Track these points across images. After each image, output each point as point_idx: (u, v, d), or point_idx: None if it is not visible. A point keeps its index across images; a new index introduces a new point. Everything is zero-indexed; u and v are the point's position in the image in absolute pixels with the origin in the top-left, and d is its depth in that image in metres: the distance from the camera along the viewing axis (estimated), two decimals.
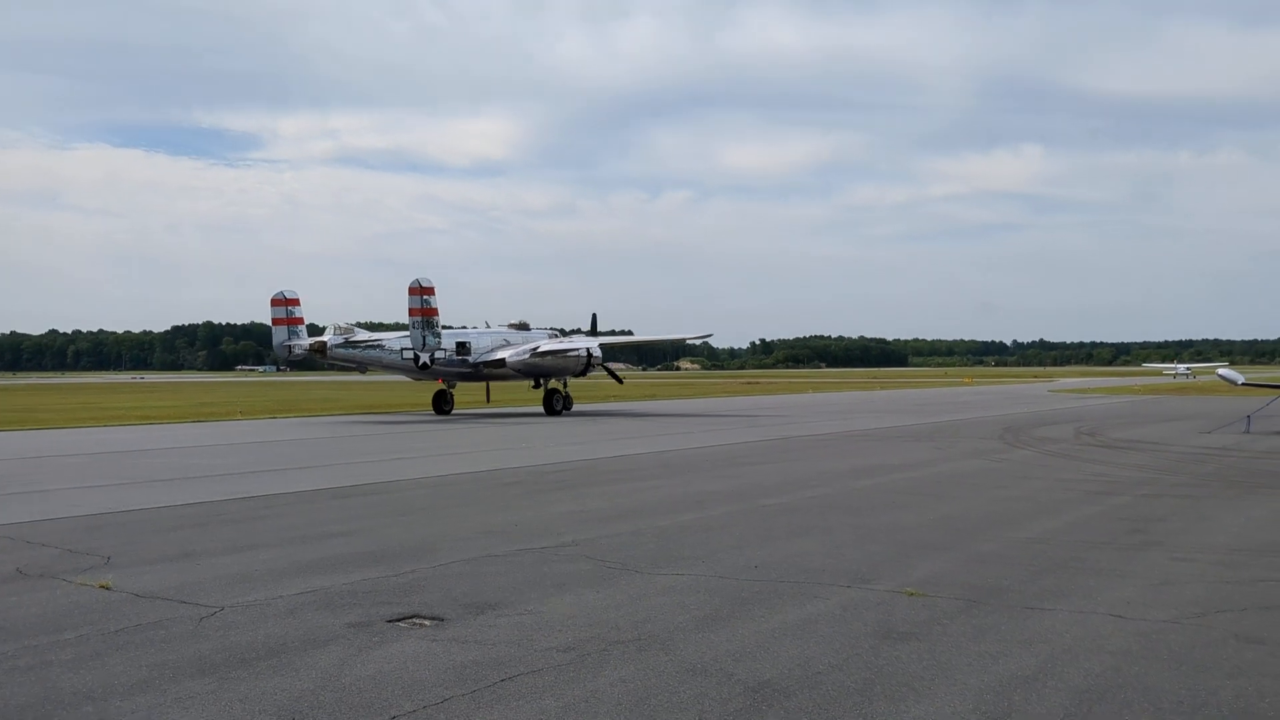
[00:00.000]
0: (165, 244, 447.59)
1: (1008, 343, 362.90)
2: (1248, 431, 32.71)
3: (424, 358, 43.43)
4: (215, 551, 12.58)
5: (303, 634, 8.72)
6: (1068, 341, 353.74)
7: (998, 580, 10.77)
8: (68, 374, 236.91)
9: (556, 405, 46.41)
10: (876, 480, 20.03)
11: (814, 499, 17.29)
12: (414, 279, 43.03)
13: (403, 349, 43.70)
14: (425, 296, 43.00)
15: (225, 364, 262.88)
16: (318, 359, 45.48)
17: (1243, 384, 38.75)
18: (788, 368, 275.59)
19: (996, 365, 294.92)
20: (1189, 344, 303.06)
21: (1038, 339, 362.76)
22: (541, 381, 47.76)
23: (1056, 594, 10.13)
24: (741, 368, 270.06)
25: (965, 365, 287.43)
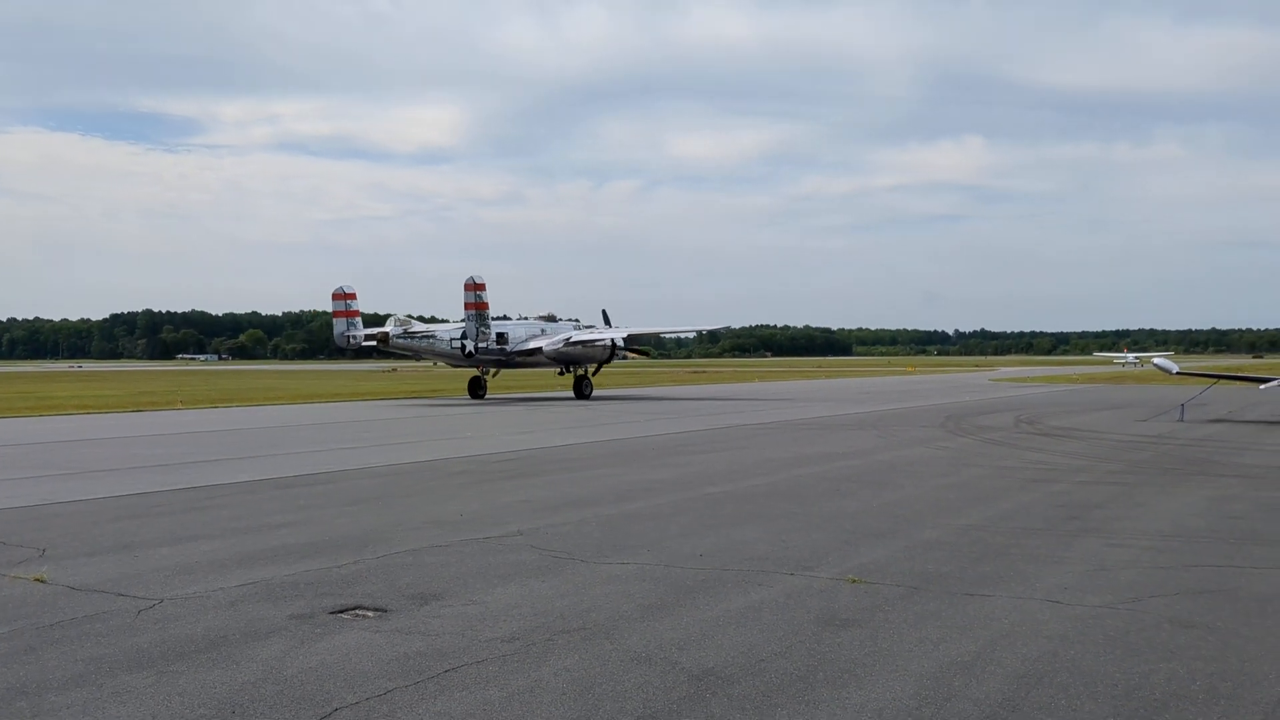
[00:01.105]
0: (103, 230, 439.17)
1: (950, 332, 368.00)
2: (1182, 420, 33.40)
3: (469, 347, 48.24)
4: (155, 543, 12.40)
5: (244, 626, 8.63)
6: (1008, 331, 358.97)
7: (938, 567, 10.92)
8: (2, 362, 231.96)
9: (585, 390, 51.13)
10: (821, 468, 20.21)
11: (759, 487, 17.40)
12: (469, 276, 48.00)
13: (451, 339, 48.78)
14: (478, 292, 47.96)
15: (166, 353, 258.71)
16: (380, 348, 50.37)
17: (1177, 373, 39.55)
18: (734, 357, 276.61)
19: (939, 354, 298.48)
20: (1126, 333, 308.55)
21: (979, 328, 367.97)
22: (571, 368, 52.20)
23: (995, 580, 10.29)
24: (688, 356, 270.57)
25: (908, 354, 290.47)
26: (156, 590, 9.93)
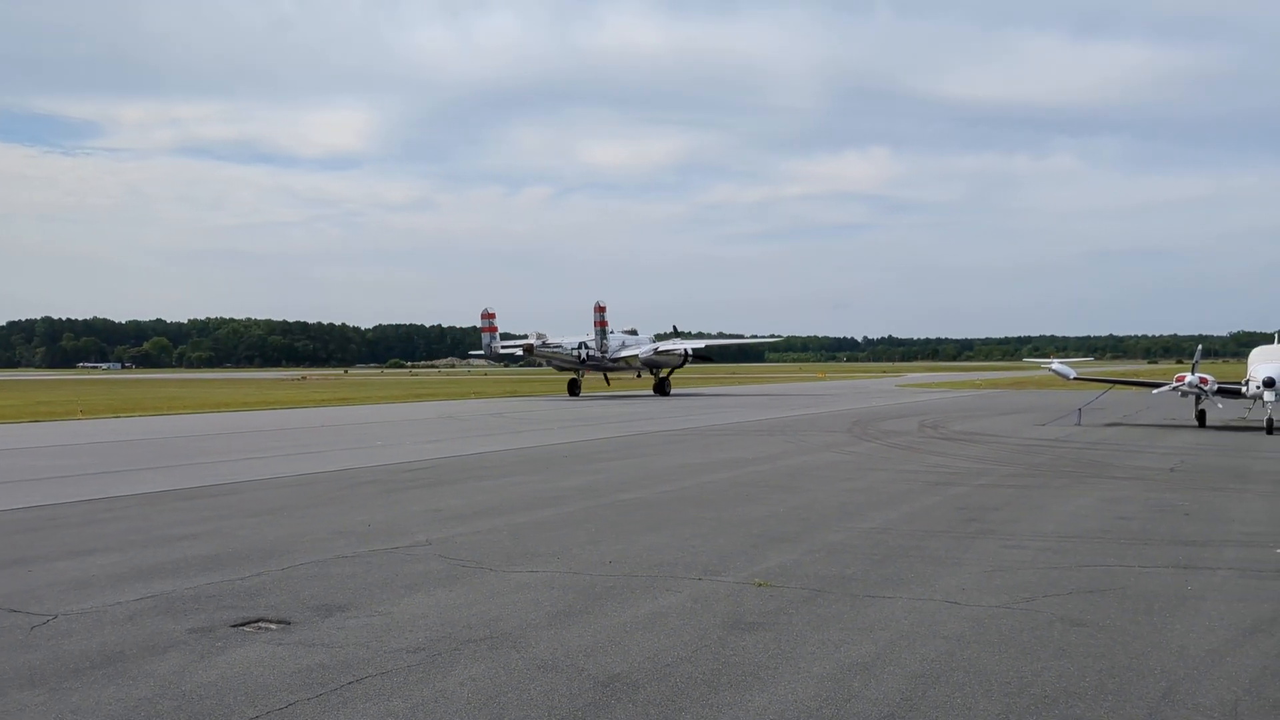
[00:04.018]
0: None
1: (859, 339, 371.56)
2: (1079, 424, 34.41)
3: (584, 354, 62.58)
4: (50, 557, 12.07)
5: (141, 640, 8.46)
6: (915, 338, 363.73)
7: (842, 570, 11.13)
8: None
9: (666, 389, 64.69)
10: (730, 474, 20.40)
11: (669, 493, 17.52)
12: (596, 300, 62.47)
13: (572, 349, 62.83)
14: (600, 312, 62.05)
15: (66, 361, 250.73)
16: (525, 355, 65.58)
17: (1074, 378, 40.68)
18: None
19: (848, 361, 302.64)
20: (1028, 340, 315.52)
21: (887, 335, 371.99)
22: (655, 371, 66.19)
23: (896, 582, 10.52)
24: None
25: (819, 361, 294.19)
26: (51, 605, 9.67)
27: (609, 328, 62.61)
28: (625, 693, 7.15)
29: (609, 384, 66.82)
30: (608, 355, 63.21)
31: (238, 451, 26.40)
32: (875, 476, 19.92)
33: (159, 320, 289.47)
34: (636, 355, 64.29)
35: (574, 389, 63.52)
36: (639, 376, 68.25)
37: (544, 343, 63.12)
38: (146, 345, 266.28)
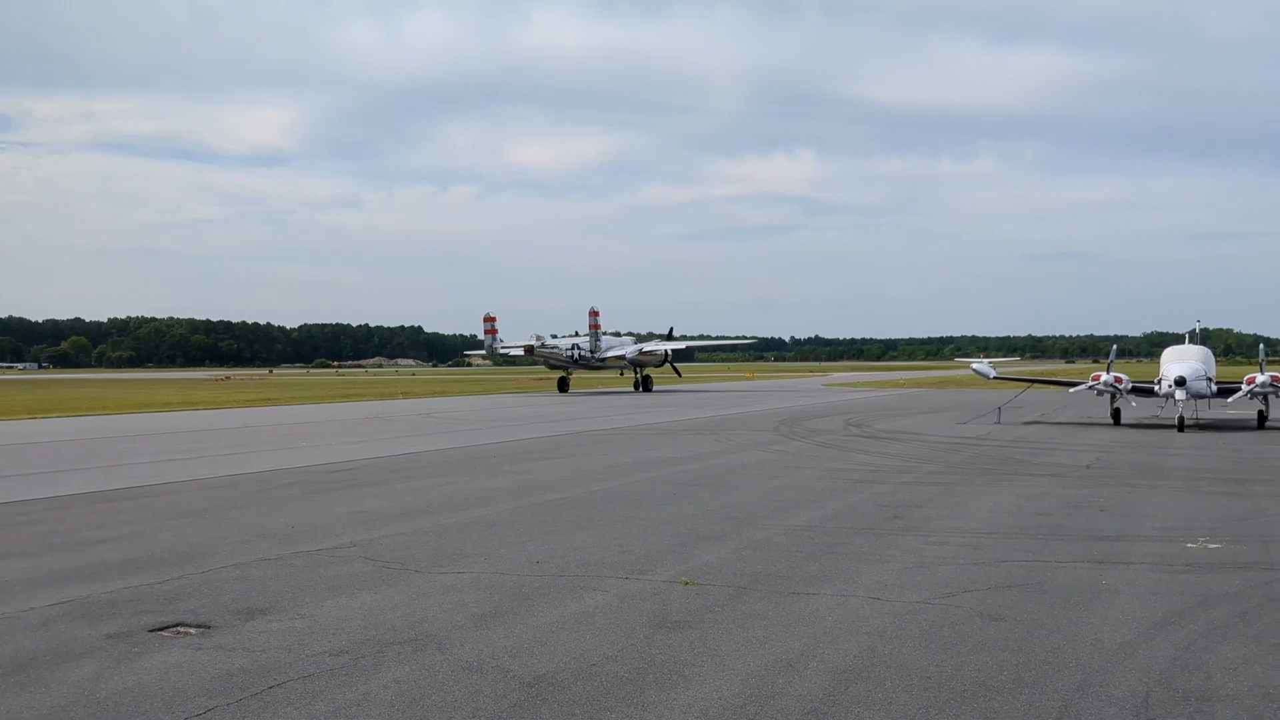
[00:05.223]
0: None
1: (786, 339, 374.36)
2: (999, 422, 35.06)
3: (578, 354, 69.56)
4: None
5: (55, 647, 8.26)
6: (841, 338, 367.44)
7: (768, 567, 11.23)
8: None
9: (649, 386, 71.35)
10: (659, 473, 20.47)
11: (597, 493, 17.53)
12: (590, 305, 70.52)
13: (566, 350, 70.01)
14: (595, 316, 70.03)
15: None
16: (527, 355, 71.39)
17: (994, 377, 41.45)
18: None
19: (776, 360, 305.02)
20: (950, 339, 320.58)
21: (814, 335, 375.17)
22: (637, 370, 72.68)
23: (821, 579, 10.65)
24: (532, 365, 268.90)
25: (747, 360, 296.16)
26: None
27: (600, 331, 70.22)
28: (551, 693, 7.15)
29: (567, 385, 71.40)
30: (596, 355, 70.27)
31: (159, 453, 25.87)
32: (801, 474, 20.12)
33: (78, 319, 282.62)
34: (623, 355, 71.14)
35: (563, 386, 70.64)
36: (621, 375, 75.71)
37: (543, 344, 70.21)
38: (65, 345, 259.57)
